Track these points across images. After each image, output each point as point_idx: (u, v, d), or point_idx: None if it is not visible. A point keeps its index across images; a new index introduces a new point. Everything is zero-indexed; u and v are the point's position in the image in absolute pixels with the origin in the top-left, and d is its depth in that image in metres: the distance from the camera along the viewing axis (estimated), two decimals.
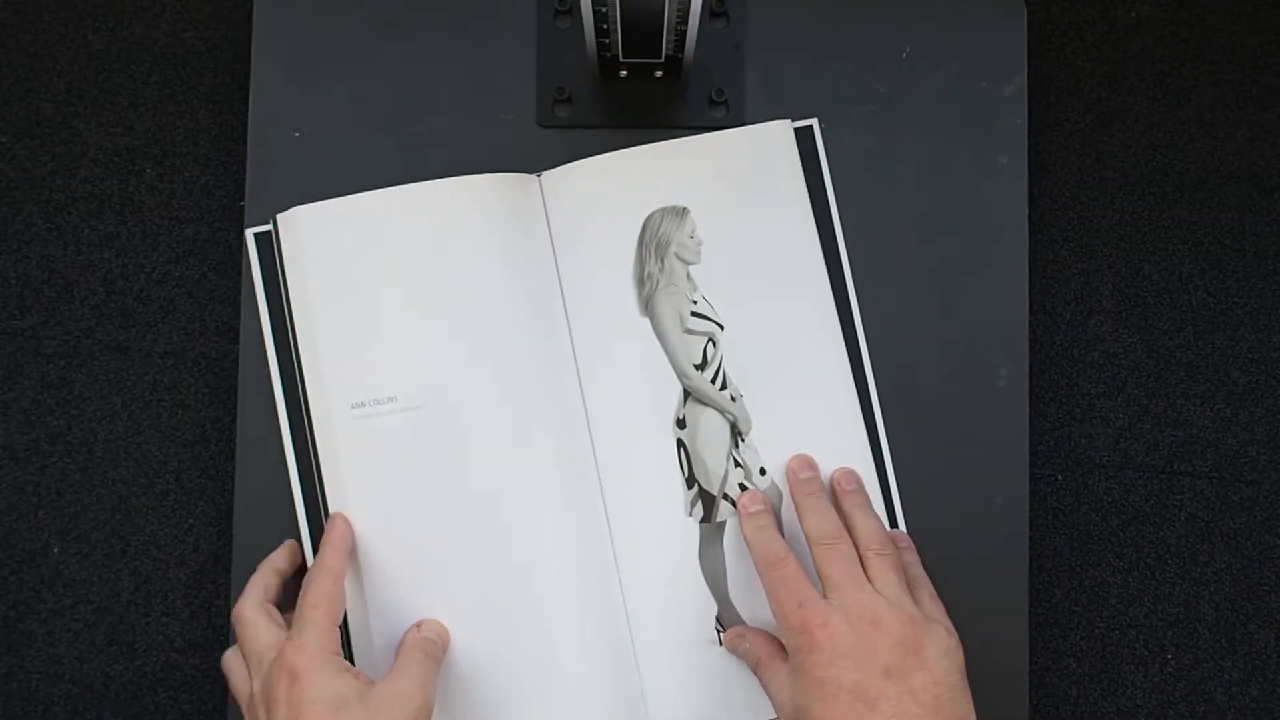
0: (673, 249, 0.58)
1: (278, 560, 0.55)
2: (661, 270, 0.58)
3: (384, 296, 0.56)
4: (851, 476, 0.56)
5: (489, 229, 0.56)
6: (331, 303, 0.56)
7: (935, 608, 0.52)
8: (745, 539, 0.54)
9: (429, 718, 0.49)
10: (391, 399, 0.55)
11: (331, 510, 0.55)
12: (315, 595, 0.51)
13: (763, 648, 0.53)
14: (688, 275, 0.58)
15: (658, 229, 0.58)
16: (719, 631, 0.56)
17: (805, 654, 0.48)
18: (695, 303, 0.57)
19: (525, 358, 0.56)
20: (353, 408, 0.55)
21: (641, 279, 0.57)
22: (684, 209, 0.58)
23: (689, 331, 0.57)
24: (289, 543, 0.56)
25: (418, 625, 0.54)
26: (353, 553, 0.55)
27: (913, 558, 0.55)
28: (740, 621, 0.56)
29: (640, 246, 0.58)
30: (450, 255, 0.56)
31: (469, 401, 0.55)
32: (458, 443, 0.55)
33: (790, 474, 0.56)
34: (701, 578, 0.57)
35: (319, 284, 0.56)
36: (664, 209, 0.58)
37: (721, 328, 0.57)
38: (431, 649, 0.52)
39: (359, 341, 0.56)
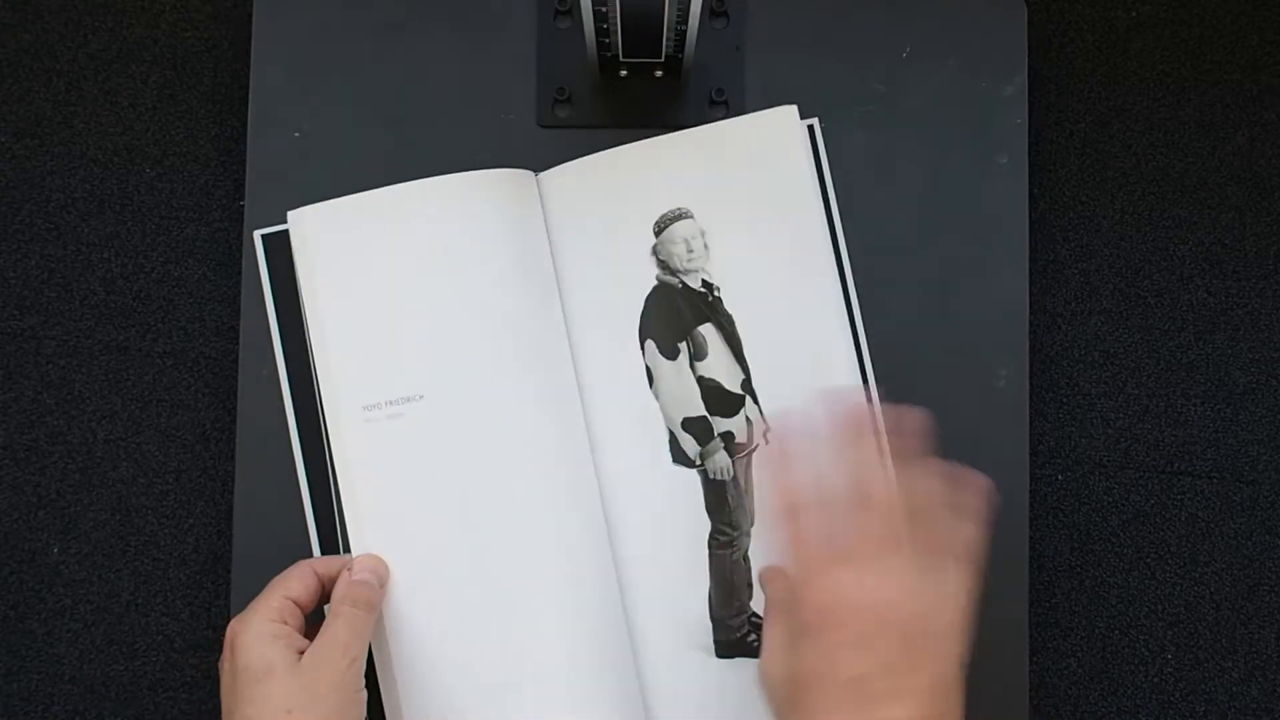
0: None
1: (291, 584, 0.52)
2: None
3: (396, 294, 0.56)
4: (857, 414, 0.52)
5: (497, 225, 0.56)
6: (344, 302, 0.56)
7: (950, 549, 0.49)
8: (763, 479, 0.52)
9: (360, 673, 0.49)
10: (406, 399, 0.55)
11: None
12: (277, 576, 0.51)
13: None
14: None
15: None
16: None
17: (812, 632, 0.46)
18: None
19: (529, 355, 0.56)
20: (365, 409, 0.55)
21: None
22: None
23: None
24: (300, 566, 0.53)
25: (348, 569, 0.53)
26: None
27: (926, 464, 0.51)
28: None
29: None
30: (461, 250, 0.56)
31: (479, 400, 0.55)
32: (469, 442, 0.55)
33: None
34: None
35: (330, 282, 0.56)
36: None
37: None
38: (362, 595, 0.51)
39: (374, 341, 0.55)
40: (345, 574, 0.52)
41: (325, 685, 0.47)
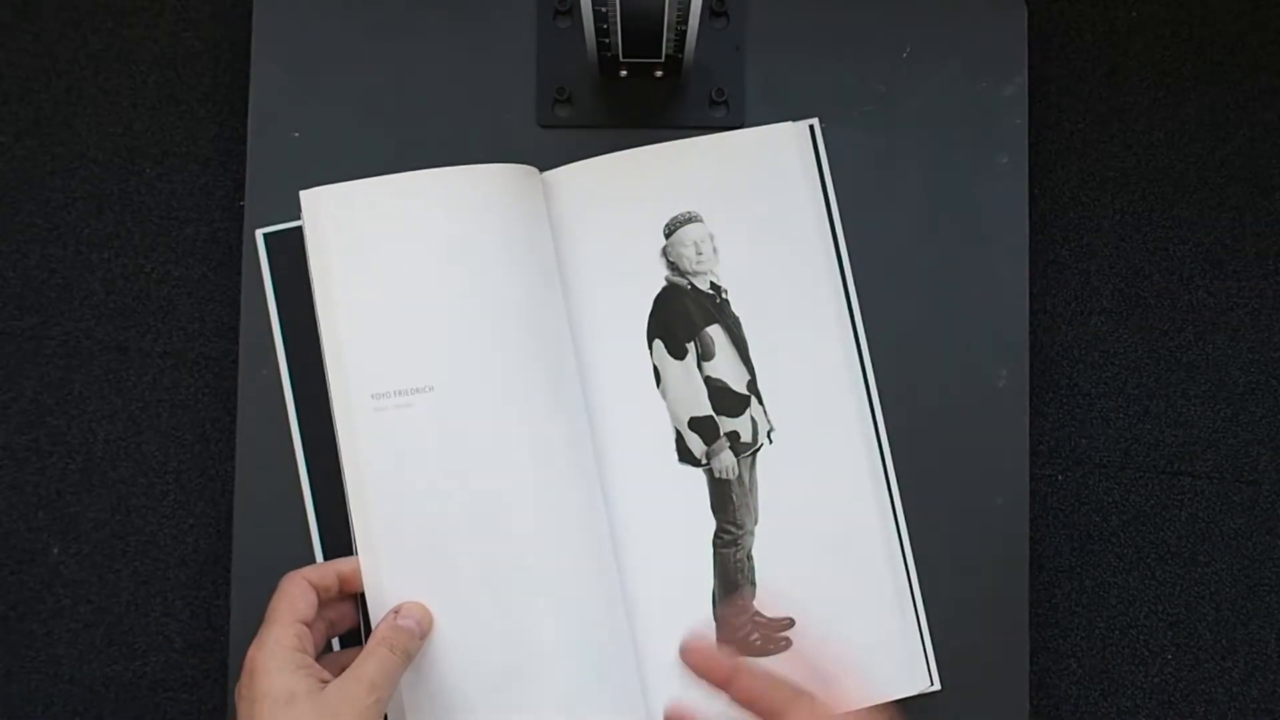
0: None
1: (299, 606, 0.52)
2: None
3: (408, 280, 0.55)
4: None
5: (508, 218, 0.56)
6: (355, 285, 0.55)
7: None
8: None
9: (381, 713, 0.49)
10: (416, 389, 0.54)
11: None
12: (279, 596, 0.51)
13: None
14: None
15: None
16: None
17: None
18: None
19: (538, 351, 0.56)
20: (373, 397, 0.54)
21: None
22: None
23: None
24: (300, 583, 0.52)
25: (395, 611, 0.53)
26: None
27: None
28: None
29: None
30: (474, 241, 0.56)
31: (489, 394, 0.54)
32: (477, 437, 0.54)
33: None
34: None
35: (342, 263, 0.55)
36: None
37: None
38: (401, 641, 0.51)
39: (384, 328, 0.55)
40: (391, 615, 0.52)
41: (346, 716, 0.47)
